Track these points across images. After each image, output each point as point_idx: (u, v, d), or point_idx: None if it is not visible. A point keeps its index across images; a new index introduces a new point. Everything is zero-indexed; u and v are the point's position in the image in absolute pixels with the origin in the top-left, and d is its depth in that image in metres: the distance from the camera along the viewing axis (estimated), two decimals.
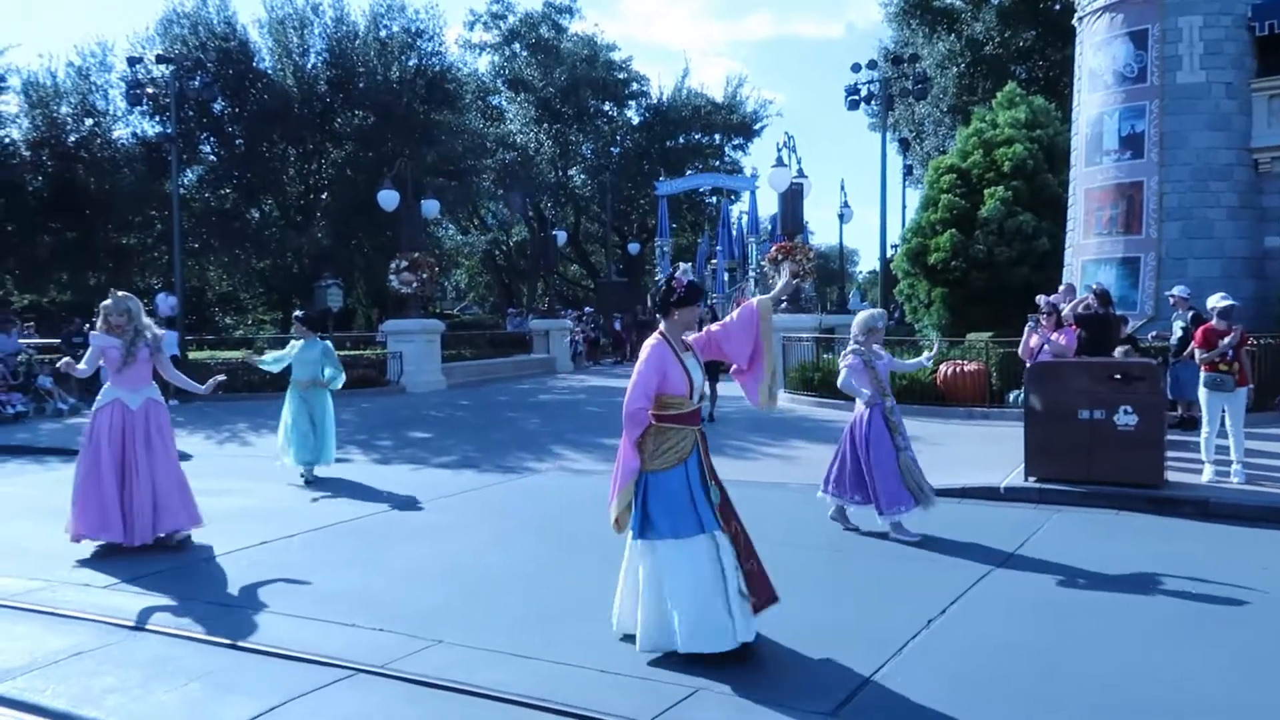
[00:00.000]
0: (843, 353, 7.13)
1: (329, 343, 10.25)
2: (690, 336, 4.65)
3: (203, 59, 26.92)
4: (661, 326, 4.61)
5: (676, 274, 4.65)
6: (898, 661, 4.42)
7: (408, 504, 8.35)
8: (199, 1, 28.36)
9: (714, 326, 4.72)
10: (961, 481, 8.70)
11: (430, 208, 22.75)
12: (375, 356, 21.15)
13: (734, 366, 4.74)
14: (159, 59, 23.20)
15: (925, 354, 7.83)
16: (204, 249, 29.62)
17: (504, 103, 41.88)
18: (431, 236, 32.75)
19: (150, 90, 22.75)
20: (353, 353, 25.40)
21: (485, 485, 9.31)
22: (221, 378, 7.82)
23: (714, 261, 27.48)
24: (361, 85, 28.77)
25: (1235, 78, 14.85)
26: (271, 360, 9.89)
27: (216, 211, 29.49)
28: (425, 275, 20.61)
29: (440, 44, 31.81)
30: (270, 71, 29.11)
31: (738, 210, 33.69)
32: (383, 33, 30.27)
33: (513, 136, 39.61)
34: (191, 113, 26.68)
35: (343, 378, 10.04)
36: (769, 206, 28.95)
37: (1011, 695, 4.04)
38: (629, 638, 4.57)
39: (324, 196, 30.63)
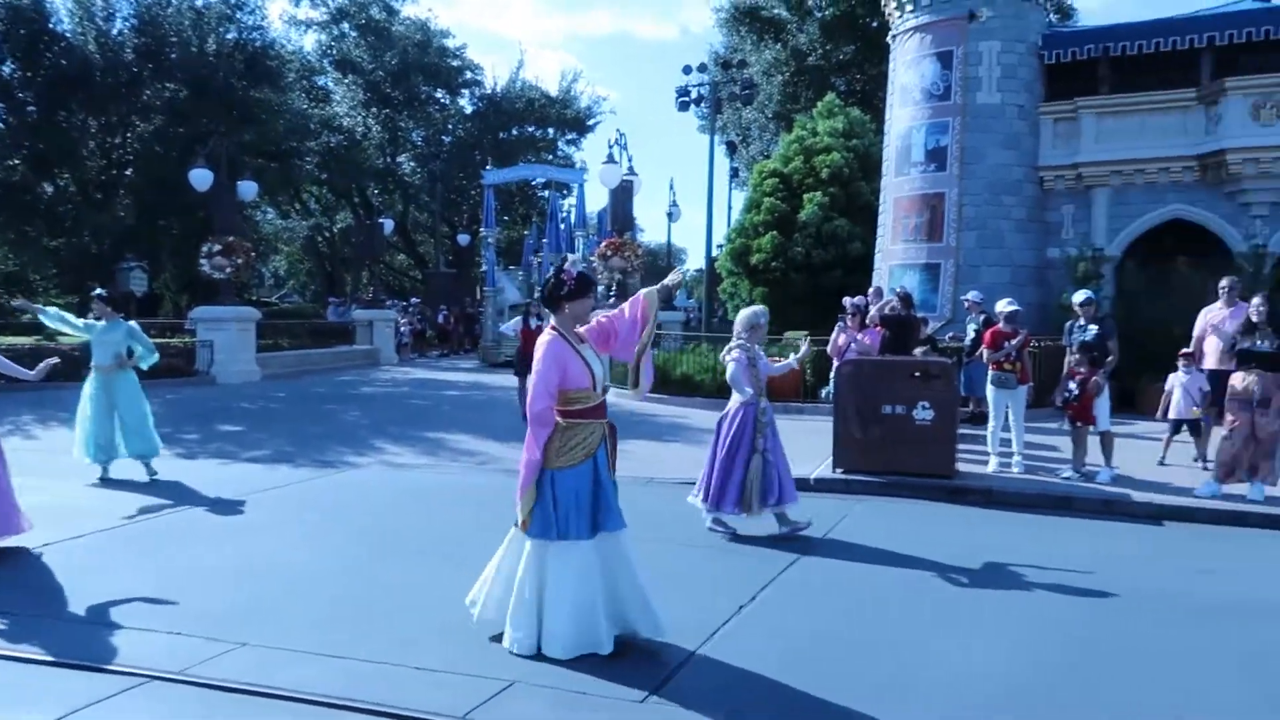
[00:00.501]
0: (728, 347, 7.09)
1: (134, 323, 9.51)
2: (582, 328, 4.53)
3: None
4: (553, 321, 4.53)
5: (565, 266, 4.56)
6: (710, 645, 4.59)
7: (213, 501, 7.93)
8: None
9: (603, 317, 4.59)
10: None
11: (248, 189, 21.63)
12: (183, 345, 19.86)
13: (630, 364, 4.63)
14: None
15: (793, 355, 7.77)
16: None
17: (330, 84, 40.23)
18: (249, 220, 31.15)
19: None
20: (159, 340, 23.83)
21: (300, 481, 8.96)
22: (55, 360, 7.09)
23: (540, 255, 27.42)
24: (174, 56, 26.99)
25: (1027, 101, 16.19)
26: (55, 317, 9.04)
27: (2, 184, 26.90)
28: (240, 260, 19.56)
29: (263, 18, 30.34)
30: (69, 34, 26.82)
31: (567, 204, 33.77)
32: (199, 2, 28.49)
33: (339, 119, 38.14)
34: None
35: (155, 357, 9.31)
36: (598, 201, 29.08)
37: (815, 671, 4.28)
38: (496, 637, 4.51)
39: (128, 173, 28.53)
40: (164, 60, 26.99)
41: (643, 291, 4.59)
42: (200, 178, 19.57)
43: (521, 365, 12.84)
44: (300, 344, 23.94)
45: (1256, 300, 8.14)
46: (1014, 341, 9.31)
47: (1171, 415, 9.67)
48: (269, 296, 49.02)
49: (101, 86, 26.38)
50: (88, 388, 8.97)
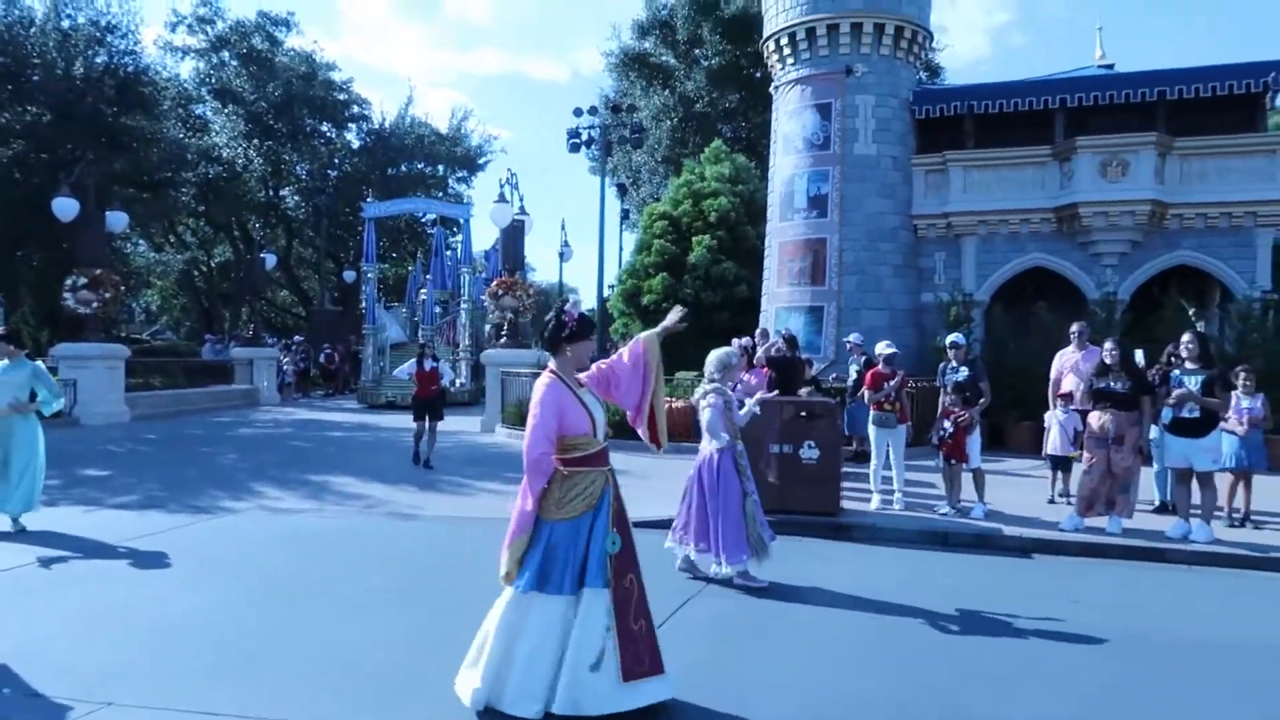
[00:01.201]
0: (702, 391, 6.76)
1: (40, 363, 8.75)
2: (583, 375, 4.39)
3: None
4: (552, 364, 4.35)
5: (566, 307, 4.40)
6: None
7: (77, 549, 7.47)
8: None
9: (603, 363, 4.45)
10: (667, 513, 9.17)
11: (117, 220, 20.70)
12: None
13: (629, 415, 4.48)
14: None
15: (751, 403, 7.53)
16: None
17: (209, 113, 38.92)
18: (118, 252, 29.70)
19: None
20: None
21: (173, 527, 8.53)
22: None
23: (424, 291, 26.99)
24: (36, 78, 25.65)
25: (900, 152, 17.02)
26: None
27: None
28: (108, 294, 18.65)
29: (135, 42, 29.10)
30: None
31: (453, 240, 33.46)
32: (65, 23, 27.25)
33: (219, 149, 36.91)
34: None
35: (60, 402, 8.59)
36: (485, 237, 28.88)
37: (719, 697, 4.32)
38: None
39: None
40: (25, 82, 25.64)
41: (641, 335, 4.46)
42: (64, 207, 18.62)
43: (419, 409, 12.60)
44: (174, 383, 22.91)
45: (1109, 344, 8.72)
46: (892, 382, 9.68)
47: (1048, 451, 10.20)
48: (140, 333, 46.69)
49: None
50: None
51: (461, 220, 28.44)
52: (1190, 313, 14.53)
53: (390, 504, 9.84)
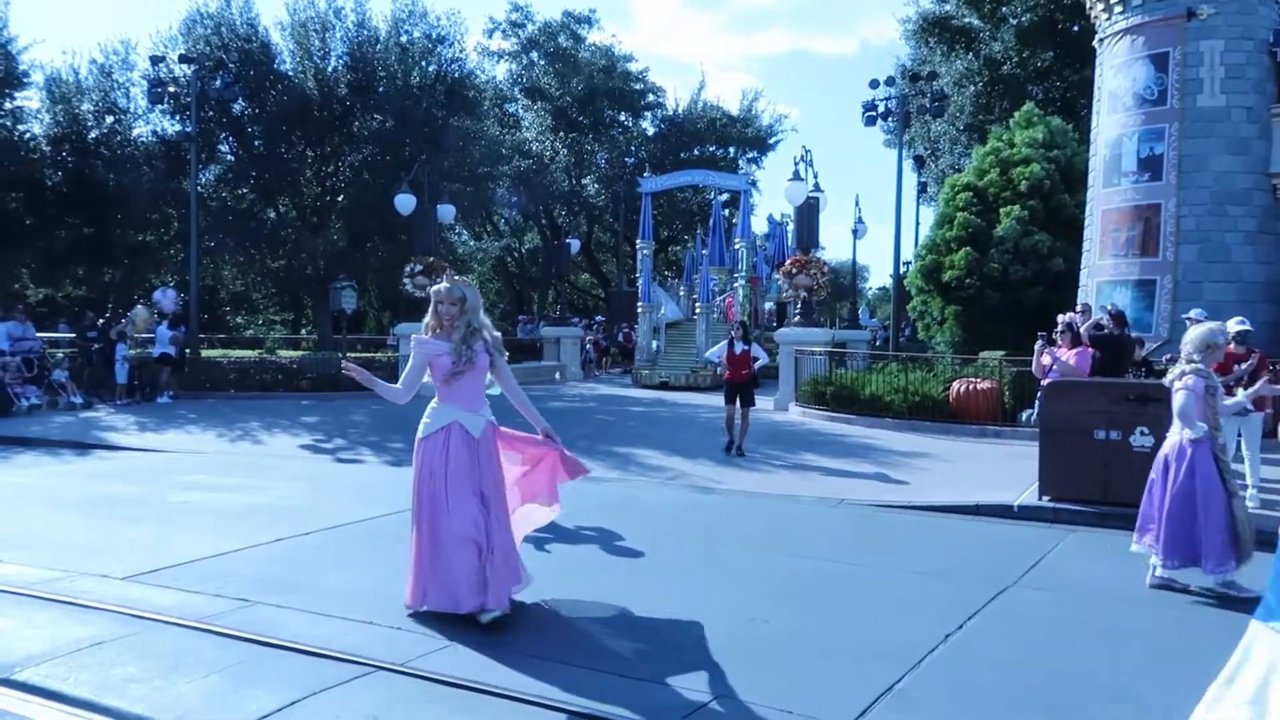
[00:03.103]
0: (1179, 371, 5.95)
1: None
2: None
3: (224, 59, 27.11)
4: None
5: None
6: (914, 675, 4.41)
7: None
8: (223, 2, 28.60)
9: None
10: (975, 499, 8.70)
11: (446, 213, 22.86)
12: (387, 359, 21.24)
13: None
14: (181, 59, 23.41)
15: (1242, 393, 6.59)
16: (219, 248, 29.77)
17: (520, 110, 42.04)
18: (445, 241, 32.83)
19: (171, 89, 23.03)
20: (364, 355, 25.56)
21: None
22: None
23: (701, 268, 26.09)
24: (381, 89, 28.90)
25: (1256, 102, 14.86)
26: None
27: (233, 211, 29.62)
28: (440, 279, 20.67)
29: (460, 50, 31.95)
30: (291, 73, 29.29)
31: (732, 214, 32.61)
32: (403, 38, 30.43)
33: (528, 144, 39.75)
34: (212, 112, 26.87)
35: None
36: (767, 210, 28.22)
37: (1023, 709, 4.03)
38: None
39: (340, 199, 30.74)
40: (372, 94, 28.97)
41: None
42: (404, 202, 20.85)
43: (731, 392, 11.78)
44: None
45: None
46: (1246, 364, 8.53)
47: None
48: None
49: (318, 120, 28.62)
50: None
51: (741, 192, 27.88)
52: None
53: (690, 476, 10.11)
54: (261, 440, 13.00)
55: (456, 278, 5.57)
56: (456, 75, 31.38)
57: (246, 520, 7.54)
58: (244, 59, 27.94)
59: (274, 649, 4.57)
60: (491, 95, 38.24)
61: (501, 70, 41.97)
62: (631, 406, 18.31)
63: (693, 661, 4.47)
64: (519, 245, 46.33)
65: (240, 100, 27.32)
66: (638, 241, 27.52)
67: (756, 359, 11.95)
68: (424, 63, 30.41)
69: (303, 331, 40.91)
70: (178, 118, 27.55)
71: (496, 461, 5.27)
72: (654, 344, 24.26)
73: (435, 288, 5.45)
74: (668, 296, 26.77)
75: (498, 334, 5.53)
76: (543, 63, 41.40)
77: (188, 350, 19.93)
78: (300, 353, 24.73)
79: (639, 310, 25.26)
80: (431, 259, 20.68)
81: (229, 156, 30.66)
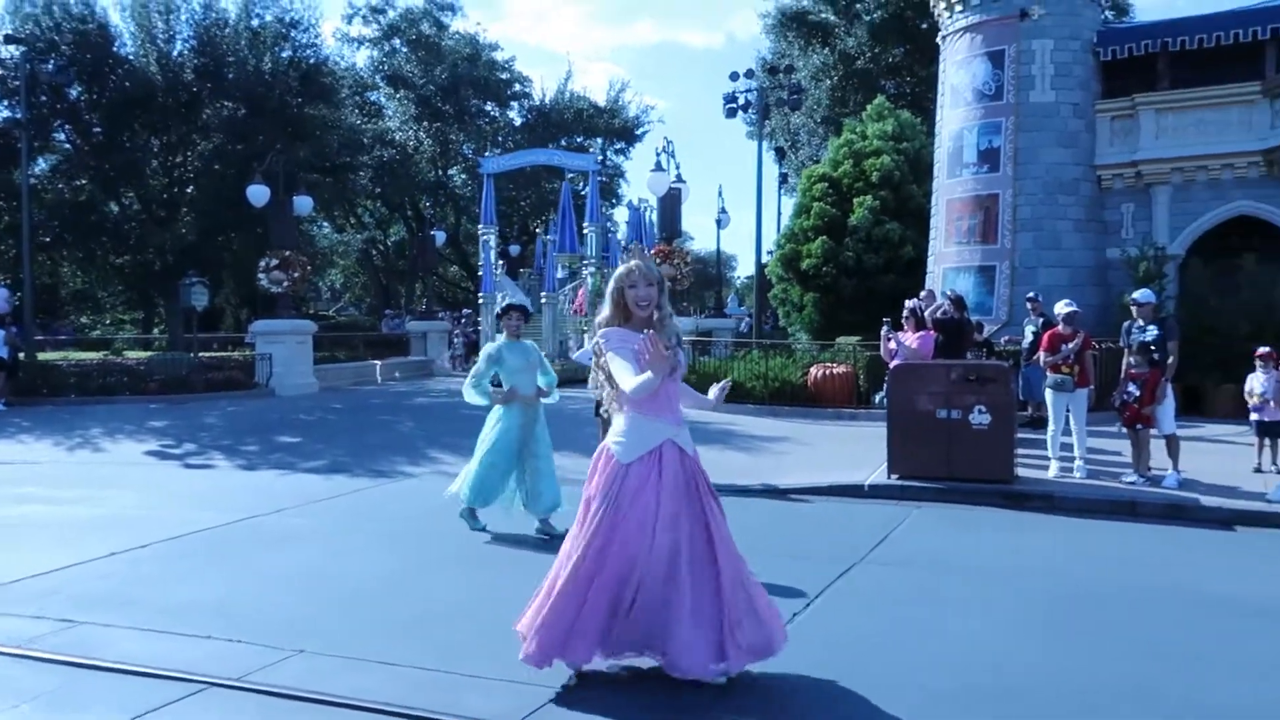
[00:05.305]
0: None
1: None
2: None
3: (57, 41, 25.40)
4: None
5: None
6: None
7: (273, 511, 8.06)
8: None
9: None
10: (829, 480, 9.01)
11: (303, 204, 22.04)
12: (243, 358, 20.38)
13: None
14: (8, 39, 21.83)
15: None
16: (56, 243, 27.94)
17: (382, 99, 40.90)
18: (304, 234, 31.76)
19: None
20: (220, 354, 24.42)
21: (356, 490, 9.08)
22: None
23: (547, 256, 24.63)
24: (231, 75, 27.62)
25: (1082, 98, 15.85)
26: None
27: (70, 204, 27.78)
28: (297, 274, 19.96)
29: (316, 36, 30.89)
30: (132, 57, 27.64)
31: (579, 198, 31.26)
32: (255, 22, 29.18)
33: (391, 134, 38.74)
34: (44, 98, 25.13)
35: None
36: (633, 200, 27.49)
37: (877, 675, 4.20)
38: None
39: (189, 190, 29.27)
40: (222, 80, 27.65)
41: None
42: (257, 194, 20.01)
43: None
44: (356, 356, 24.34)
45: None
46: (1072, 344, 9.10)
47: (1253, 417, 9.36)
48: (326, 310, 49.93)
49: (163, 107, 27.13)
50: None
51: (590, 173, 26.34)
52: None
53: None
54: (103, 448, 12.27)
55: (642, 249, 4.29)
56: (312, 61, 30.34)
57: (79, 534, 7.09)
58: (79, 41, 26.21)
59: (97, 671, 4.32)
60: (351, 83, 37.05)
61: (362, 57, 40.76)
62: None
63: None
64: (384, 237, 45.17)
65: (75, 85, 25.63)
66: (479, 227, 25.85)
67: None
68: (277, 48, 29.26)
69: (155, 331, 38.78)
70: (5, 103, 25.63)
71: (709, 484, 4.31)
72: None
73: (621, 269, 4.07)
74: (516, 287, 25.54)
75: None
76: (405, 50, 40.36)
77: (22, 354, 18.60)
78: (150, 353, 23.41)
79: (479, 301, 23.94)
80: (288, 253, 19.94)
81: (65, 145, 28.78)
